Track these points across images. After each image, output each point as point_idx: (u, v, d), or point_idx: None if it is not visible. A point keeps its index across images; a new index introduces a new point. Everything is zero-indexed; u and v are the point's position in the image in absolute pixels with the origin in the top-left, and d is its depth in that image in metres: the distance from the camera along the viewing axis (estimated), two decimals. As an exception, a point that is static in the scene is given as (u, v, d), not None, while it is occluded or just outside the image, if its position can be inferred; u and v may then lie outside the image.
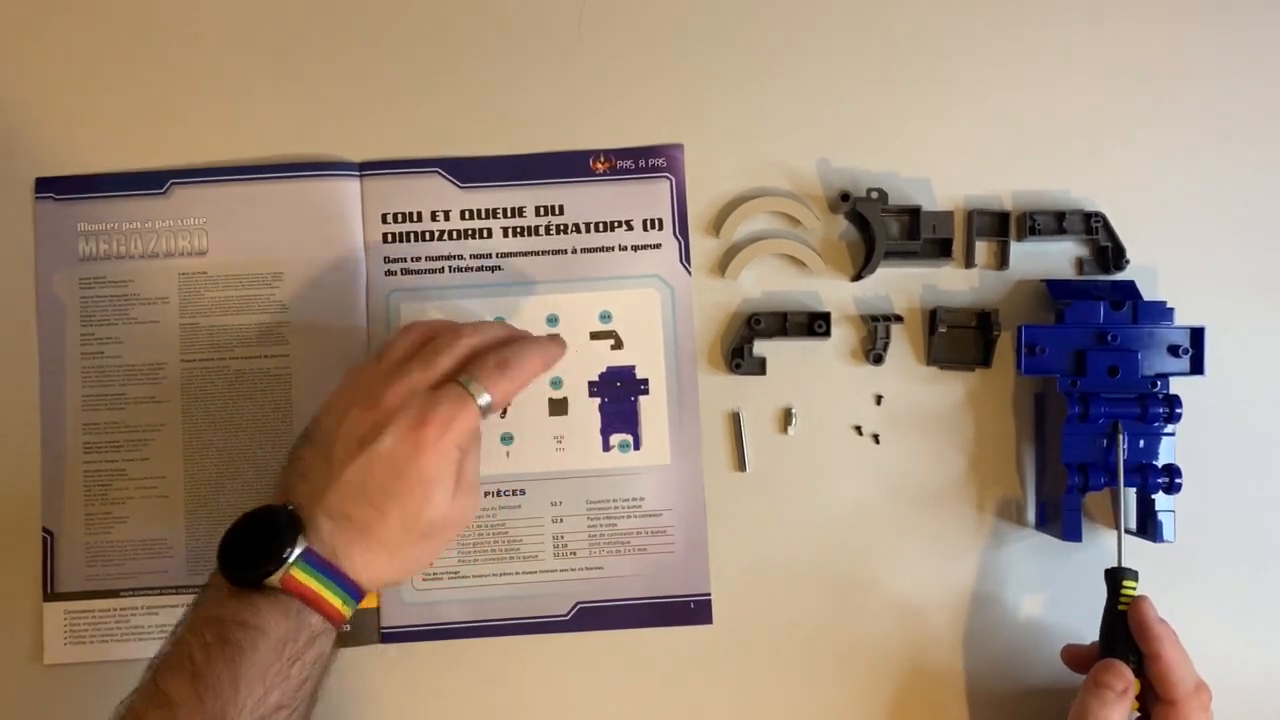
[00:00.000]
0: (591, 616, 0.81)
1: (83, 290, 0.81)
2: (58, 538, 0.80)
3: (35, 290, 0.81)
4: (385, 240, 0.82)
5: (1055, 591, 0.81)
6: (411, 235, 0.82)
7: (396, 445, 0.67)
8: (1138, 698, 0.72)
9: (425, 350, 0.71)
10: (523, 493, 0.82)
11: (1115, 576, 0.75)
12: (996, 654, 0.80)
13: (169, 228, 0.81)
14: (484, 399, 0.69)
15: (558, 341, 0.75)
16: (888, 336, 0.81)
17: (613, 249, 0.83)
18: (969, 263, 0.82)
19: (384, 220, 0.82)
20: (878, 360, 0.81)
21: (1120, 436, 0.76)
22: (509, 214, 0.83)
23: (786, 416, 0.82)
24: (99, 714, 0.79)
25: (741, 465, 0.82)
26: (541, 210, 0.83)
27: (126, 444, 0.81)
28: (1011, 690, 0.80)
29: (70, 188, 0.82)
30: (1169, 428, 0.77)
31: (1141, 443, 0.77)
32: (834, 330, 0.82)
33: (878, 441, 0.82)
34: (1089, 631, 0.79)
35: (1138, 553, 0.80)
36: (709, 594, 0.81)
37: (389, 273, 0.82)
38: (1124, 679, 0.72)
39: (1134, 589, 0.74)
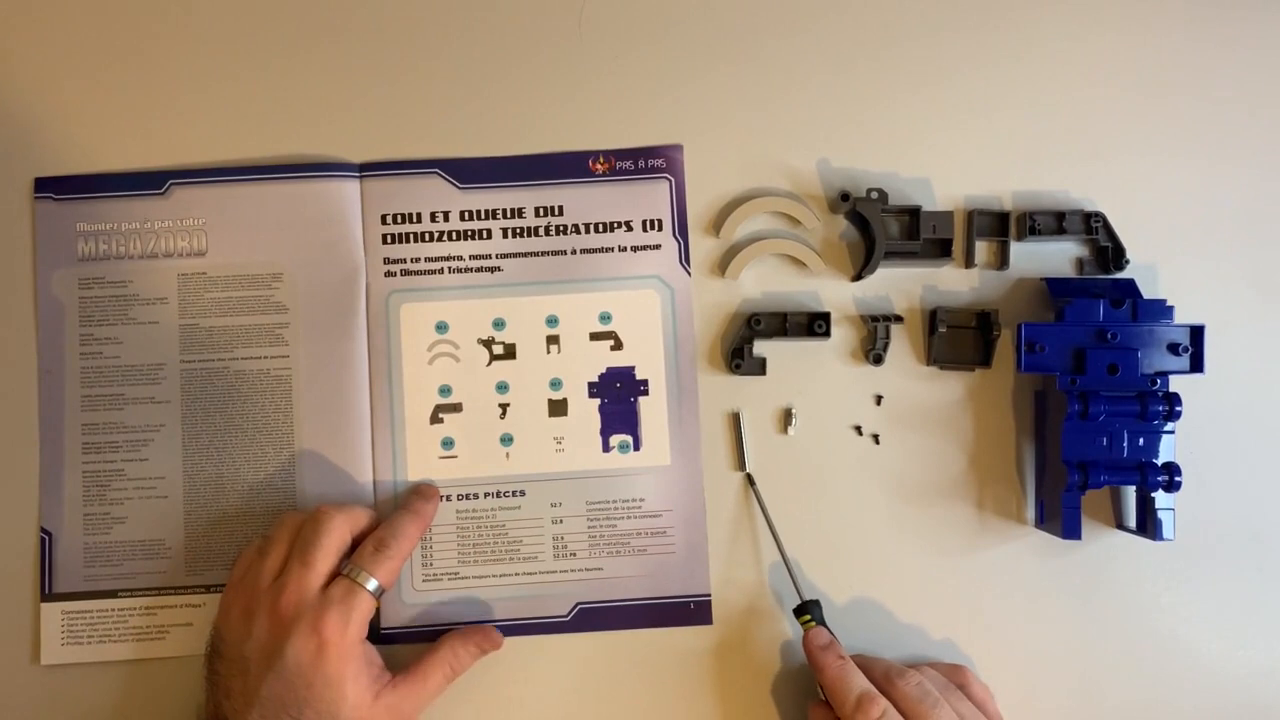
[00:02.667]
0: (591, 617, 0.81)
1: (82, 290, 0.81)
2: (56, 538, 0.80)
3: (34, 291, 0.81)
4: (385, 241, 0.82)
5: (1054, 590, 0.81)
6: (411, 236, 0.82)
7: (300, 654, 0.70)
8: None
9: (297, 544, 0.74)
10: (522, 494, 0.81)
11: (797, 613, 0.78)
12: (994, 652, 0.80)
13: (168, 228, 0.81)
14: (372, 584, 0.73)
15: (429, 496, 0.80)
16: (888, 336, 0.81)
17: (612, 250, 0.82)
18: (969, 263, 0.82)
19: (383, 221, 0.82)
20: (878, 360, 0.81)
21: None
22: (508, 215, 0.83)
23: (786, 416, 0.82)
24: (96, 715, 0.80)
25: (742, 465, 0.81)
26: (541, 211, 0.83)
27: (125, 444, 0.80)
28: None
29: (69, 188, 0.81)
30: (1168, 426, 0.77)
31: (1141, 440, 0.77)
32: (834, 330, 0.82)
33: (878, 441, 0.82)
34: (1086, 628, 0.80)
35: (1138, 552, 0.80)
36: (709, 595, 0.81)
37: (388, 273, 0.82)
38: (819, 712, 0.75)
39: (809, 621, 0.77)
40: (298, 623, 0.70)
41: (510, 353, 0.82)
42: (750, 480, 0.81)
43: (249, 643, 0.71)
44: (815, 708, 0.76)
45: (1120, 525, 0.81)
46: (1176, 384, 0.78)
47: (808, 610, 0.77)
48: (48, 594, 0.80)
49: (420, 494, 0.80)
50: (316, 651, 0.70)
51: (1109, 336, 0.77)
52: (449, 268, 0.82)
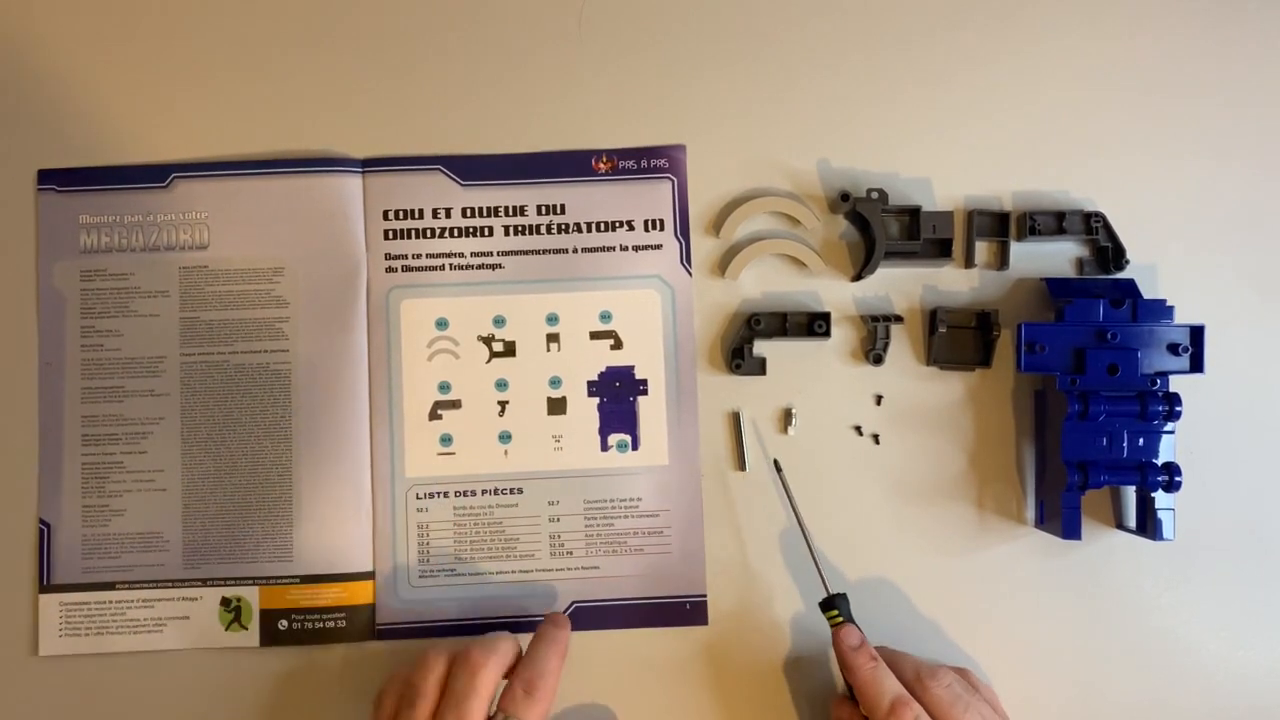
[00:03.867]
0: (587, 616, 0.81)
1: (83, 283, 0.81)
2: (55, 529, 0.80)
3: (36, 282, 0.81)
4: (386, 237, 0.82)
5: (1054, 590, 0.81)
6: (413, 232, 0.82)
7: None
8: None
9: (450, 697, 0.70)
10: (520, 491, 0.81)
11: (823, 607, 0.77)
12: (995, 652, 0.80)
13: (170, 221, 0.82)
14: None
15: (562, 624, 0.76)
16: (888, 336, 0.81)
17: (614, 249, 0.83)
18: (969, 263, 0.82)
19: (385, 217, 0.82)
20: (878, 360, 0.81)
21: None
22: (510, 212, 0.83)
23: (786, 416, 0.82)
24: (93, 706, 0.80)
25: (742, 465, 0.81)
26: (543, 209, 0.83)
27: (125, 437, 0.80)
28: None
29: (72, 180, 0.82)
30: (1168, 426, 0.77)
31: (1141, 441, 0.77)
32: (834, 330, 0.82)
33: (878, 441, 0.82)
34: (1086, 628, 0.80)
35: (1138, 551, 0.80)
36: (704, 595, 0.81)
37: (390, 269, 0.82)
38: (845, 710, 0.75)
39: (836, 617, 0.76)
40: None
41: (510, 350, 0.82)
42: (777, 466, 0.81)
43: None
44: (839, 704, 0.76)
45: (1120, 525, 0.81)
46: (1176, 384, 0.77)
47: (835, 605, 0.76)
48: (46, 585, 0.80)
49: (555, 623, 0.77)
50: None
51: (1109, 336, 0.77)
52: (450, 264, 0.82)
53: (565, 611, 0.80)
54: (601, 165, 0.83)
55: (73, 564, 0.80)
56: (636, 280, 0.82)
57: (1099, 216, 0.80)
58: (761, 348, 0.82)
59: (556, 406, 0.82)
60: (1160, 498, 0.77)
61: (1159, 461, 0.77)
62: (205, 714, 0.79)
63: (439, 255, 0.82)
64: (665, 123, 0.83)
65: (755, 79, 0.83)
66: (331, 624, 0.79)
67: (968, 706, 0.71)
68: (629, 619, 0.81)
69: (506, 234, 0.83)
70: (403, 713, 0.71)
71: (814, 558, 0.78)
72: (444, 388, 0.82)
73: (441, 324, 0.82)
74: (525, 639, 0.75)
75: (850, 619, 0.76)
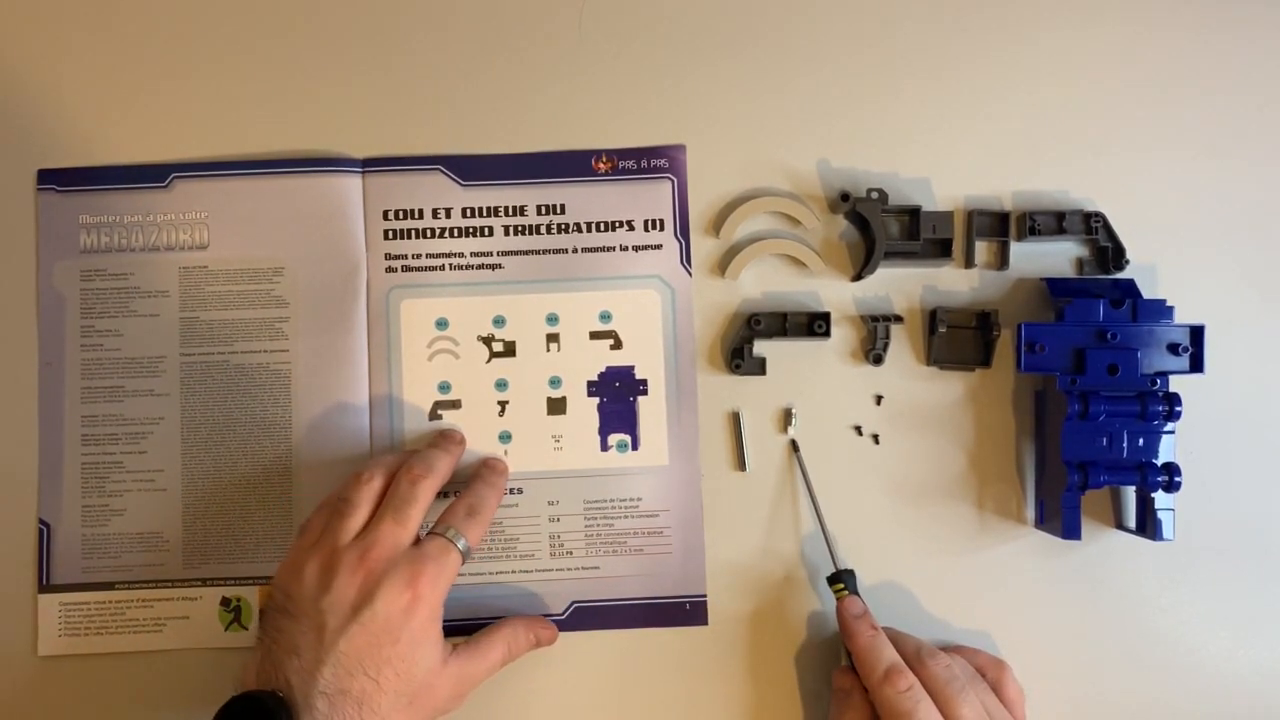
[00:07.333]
0: (587, 616, 0.81)
1: (83, 283, 0.81)
2: (54, 529, 0.80)
3: (36, 282, 0.81)
4: (386, 237, 0.82)
5: (1054, 590, 0.81)
6: (413, 232, 0.82)
7: (391, 605, 0.69)
8: None
9: (390, 502, 0.73)
10: (520, 491, 0.81)
11: (830, 581, 0.78)
12: (995, 652, 0.79)
13: (170, 221, 0.82)
14: (462, 544, 0.74)
15: (502, 471, 0.80)
16: (888, 336, 0.81)
17: (614, 249, 0.83)
18: (969, 263, 0.82)
19: (385, 217, 0.82)
20: (878, 360, 0.81)
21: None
22: (510, 212, 0.83)
23: (786, 416, 0.81)
24: (92, 706, 0.80)
25: (742, 465, 0.81)
26: (543, 209, 0.83)
27: (125, 437, 0.80)
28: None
29: (72, 179, 0.82)
30: (1168, 426, 0.77)
31: (1141, 441, 0.77)
32: (834, 330, 0.81)
33: (877, 441, 0.82)
34: (1086, 628, 0.80)
35: (1138, 551, 0.80)
36: (704, 595, 0.81)
37: (389, 269, 0.82)
38: (847, 679, 0.75)
39: (842, 590, 0.77)
40: (391, 575, 0.69)
41: (510, 350, 0.82)
42: (794, 446, 0.81)
43: (327, 597, 0.69)
44: (840, 674, 0.76)
45: (1120, 525, 0.81)
46: (1176, 384, 0.77)
47: (841, 579, 0.77)
48: (45, 585, 0.80)
49: (493, 468, 0.80)
50: (409, 605, 0.69)
51: (1109, 336, 0.77)
52: (450, 264, 0.82)
53: (565, 612, 0.80)
54: (601, 165, 0.83)
55: (72, 564, 0.80)
56: (636, 280, 0.82)
57: (1099, 216, 0.80)
58: (761, 348, 0.82)
59: (556, 406, 0.82)
60: (1160, 498, 0.77)
61: (1159, 461, 0.77)
62: (205, 714, 0.79)
63: (439, 255, 0.82)
64: (665, 123, 0.83)
65: (755, 79, 0.83)
66: (331, 624, 0.79)
67: (963, 689, 0.71)
68: (629, 619, 0.81)
69: (506, 234, 0.82)
70: (333, 523, 0.72)
71: (825, 534, 0.79)
72: (444, 388, 0.82)
73: (441, 324, 0.82)
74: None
75: (856, 593, 0.77)
